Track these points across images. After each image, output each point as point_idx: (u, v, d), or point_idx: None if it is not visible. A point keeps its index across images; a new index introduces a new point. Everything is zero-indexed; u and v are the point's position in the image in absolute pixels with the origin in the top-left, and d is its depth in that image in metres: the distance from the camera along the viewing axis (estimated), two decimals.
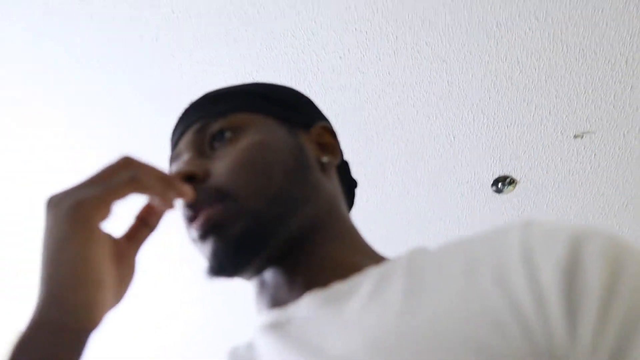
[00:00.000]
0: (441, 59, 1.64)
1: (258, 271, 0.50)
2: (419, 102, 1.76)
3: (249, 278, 0.51)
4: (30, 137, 1.78)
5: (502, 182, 2.03)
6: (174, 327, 2.60)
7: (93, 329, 0.38)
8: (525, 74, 1.69)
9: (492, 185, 2.05)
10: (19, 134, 1.76)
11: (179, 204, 0.43)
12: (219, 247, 0.46)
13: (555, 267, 0.35)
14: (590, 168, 2.01)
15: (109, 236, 0.42)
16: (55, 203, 0.39)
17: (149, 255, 2.15)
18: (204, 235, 0.48)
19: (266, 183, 0.49)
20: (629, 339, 0.32)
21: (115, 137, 1.79)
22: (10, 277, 2.26)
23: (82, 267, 0.37)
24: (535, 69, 1.67)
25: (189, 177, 0.48)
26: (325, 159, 0.56)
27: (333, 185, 0.56)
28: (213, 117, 0.53)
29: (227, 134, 0.52)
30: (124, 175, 0.39)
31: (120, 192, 0.39)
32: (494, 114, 1.81)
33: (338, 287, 0.46)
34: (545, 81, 1.71)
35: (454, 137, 1.88)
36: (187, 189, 0.44)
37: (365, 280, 0.45)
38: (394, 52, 1.61)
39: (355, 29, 1.55)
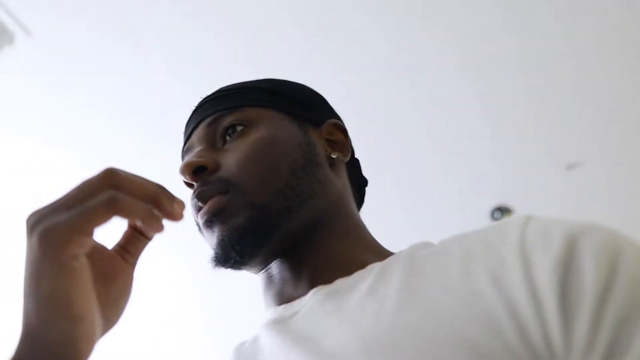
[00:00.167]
0: (438, 99, 1.77)
1: (263, 264, 0.51)
2: (420, 140, 1.88)
3: (255, 271, 0.52)
4: (30, 137, 1.86)
5: (500, 211, 2.13)
6: (174, 327, 2.59)
7: None
8: (516, 109, 1.81)
9: (491, 215, 2.15)
10: (19, 138, 1.85)
11: (179, 206, 0.36)
12: (224, 236, 0.47)
13: (550, 265, 0.35)
14: (582, 197, 2.11)
15: (96, 257, 0.37)
16: (30, 227, 0.34)
17: (149, 256, 2.15)
18: (209, 222, 0.48)
19: (272, 177, 0.49)
20: (625, 336, 0.31)
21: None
22: (10, 277, 2.27)
23: (58, 303, 0.33)
24: (528, 105, 1.80)
25: (199, 169, 0.49)
26: (334, 155, 0.56)
27: (342, 181, 0.56)
28: (226, 110, 0.54)
29: (239, 128, 0.52)
30: (103, 196, 0.33)
31: (96, 218, 0.32)
32: (491, 148, 1.93)
33: (341, 283, 0.47)
34: (542, 114, 1.83)
35: (453, 170, 2.00)
36: (178, 208, 0.36)
37: (367, 276, 0.46)
38: (396, 94, 1.74)
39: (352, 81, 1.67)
